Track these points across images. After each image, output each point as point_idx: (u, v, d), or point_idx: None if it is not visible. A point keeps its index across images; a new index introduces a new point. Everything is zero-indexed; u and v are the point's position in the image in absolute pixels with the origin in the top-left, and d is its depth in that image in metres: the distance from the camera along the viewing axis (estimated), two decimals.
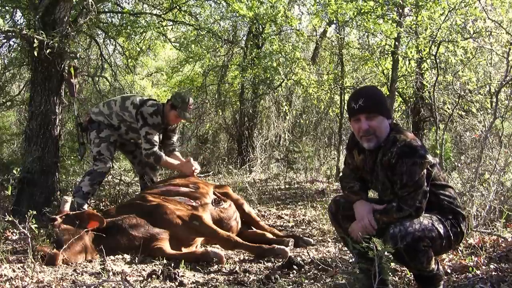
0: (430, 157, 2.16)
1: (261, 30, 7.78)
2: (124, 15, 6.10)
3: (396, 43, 6.12)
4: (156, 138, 4.03)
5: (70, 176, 5.84)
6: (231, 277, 2.72)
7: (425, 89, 6.90)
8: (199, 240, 3.34)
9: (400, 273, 2.58)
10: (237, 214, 3.67)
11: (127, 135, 4.23)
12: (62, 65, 4.31)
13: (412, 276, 2.36)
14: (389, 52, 6.47)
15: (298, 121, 9.68)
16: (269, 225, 4.04)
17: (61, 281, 2.51)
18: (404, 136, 2.18)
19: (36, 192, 4.22)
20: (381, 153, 2.22)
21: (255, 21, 6.89)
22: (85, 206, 3.92)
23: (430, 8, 5.57)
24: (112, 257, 2.95)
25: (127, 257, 3.01)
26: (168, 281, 2.58)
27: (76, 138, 4.51)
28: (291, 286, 2.50)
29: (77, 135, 4.34)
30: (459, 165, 4.42)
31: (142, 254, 3.02)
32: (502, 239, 2.87)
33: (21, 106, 6.80)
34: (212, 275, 2.77)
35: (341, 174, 2.62)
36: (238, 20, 7.98)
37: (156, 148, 4.01)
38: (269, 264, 2.98)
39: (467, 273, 2.45)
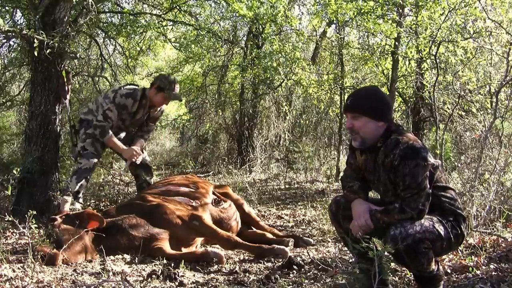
0: (432, 159, 2.17)
1: (261, 30, 7.77)
2: (124, 15, 6.10)
3: (396, 43, 6.12)
4: (112, 116, 4.03)
5: (70, 176, 5.83)
6: (231, 277, 2.72)
7: (425, 89, 6.90)
8: (199, 240, 3.34)
9: (400, 273, 2.58)
10: (237, 214, 3.67)
11: (111, 128, 4.17)
12: (62, 65, 4.31)
13: (412, 276, 2.37)
14: (389, 52, 6.47)
15: (298, 121, 9.68)
16: (269, 225, 4.03)
17: (61, 281, 2.51)
18: (406, 138, 2.18)
19: (36, 192, 4.22)
20: (383, 155, 2.23)
21: (255, 21, 6.88)
22: (78, 206, 3.91)
23: (430, 8, 5.56)
24: (112, 257, 2.95)
25: (127, 257, 3.01)
26: (168, 281, 2.58)
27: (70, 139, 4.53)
28: (291, 286, 2.50)
29: (70, 137, 4.34)
30: (459, 165, 4.42)
31: (142, 254, 3.02)
32: (502, 239, 2.87)
33: (21, 106, 6.80)
34: (212, 275, 2.77)
35: (342, 174, 2.62)
36: (238, 20, 7.97)
37: (106, 124, 4.02)
38: (269, 264, 2.98)
39: (467, 273, 2.45)
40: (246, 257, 3.15)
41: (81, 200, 4.03)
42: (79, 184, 3.96)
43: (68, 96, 4.32)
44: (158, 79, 4.16)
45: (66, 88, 4.27)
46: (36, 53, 3.92)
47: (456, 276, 2.46)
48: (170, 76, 4.22)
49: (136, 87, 4.21)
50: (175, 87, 4.14)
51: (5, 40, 5.23)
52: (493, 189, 3.41)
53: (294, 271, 2.77)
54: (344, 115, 2.40)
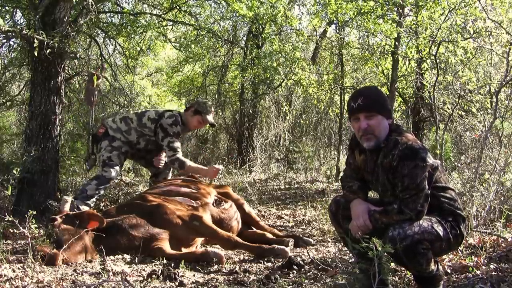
0: (431, 160, 2.16)
1: (261, 30, 7.78)
2: (124, 15, 6.10)
3: (396, 43, 6.12)
4: (178, 144, 4.14)
5: (70, 176, 5.84)
6: (231, 277, 2.71)
7: (425, 89, 6.90)
8: (199, 240, 3.34)
9: (400, 273, 2.58)
10: (238, 214, 3.67)
11: (146, 148, 4.30)
12: (62, 65, 4.31)
13: (412, 276, 2.37)
14: (389, 52, 6.47)
15: (298, 121, 9.69)
16: (269, 225, 4.04)
17: (61, 281, 2.51)
18: (405, 139, 2.18)
19: (36, 192, 4.22)
20: (382, 155, 2.22)
21: (255, 21, 6.88)
22: (84, 208, 3.91)
23: (430, 8, 5.57)
24: (112, 257, 2.95)
25: (127, 257, 3.01)
26: (168, 281, 2.58)
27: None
28: (291, 286, 2.50)
29: (87, 146, 4.35)
30: (459, 165, 4.41)
31: (142, 254, 3.02)
32: (502, 239, 2.87)
33: (21, 106, 6.80)
34: (212, 275, 2.77)
35: (342, 174, 2.62)
36: (238, 20, 7.98)
37: (179, 154, 4.12)
38: (269, 264, 2.98)
39: (467, 273, 2.45)
40: (246, 257, 3.15)
41: (91, 204, 4.03)
42: (97, 191, 4.01)
43: (94, 102, 4.29)
44: (195, 103, 4.35)
45: (94, 92, 4.23)
46: (36, 53, 3.92)
47: (456, 276, 2.46)
48: (207, 102, 4.44)
49: (172, 112, 4.27)
50: (211, 112, 4.33)
51: (5, 40, 5.23)
52: (493, 189, 3.41)
53: (294, 271, 2.77)
54: (352, 116, 2.35)
